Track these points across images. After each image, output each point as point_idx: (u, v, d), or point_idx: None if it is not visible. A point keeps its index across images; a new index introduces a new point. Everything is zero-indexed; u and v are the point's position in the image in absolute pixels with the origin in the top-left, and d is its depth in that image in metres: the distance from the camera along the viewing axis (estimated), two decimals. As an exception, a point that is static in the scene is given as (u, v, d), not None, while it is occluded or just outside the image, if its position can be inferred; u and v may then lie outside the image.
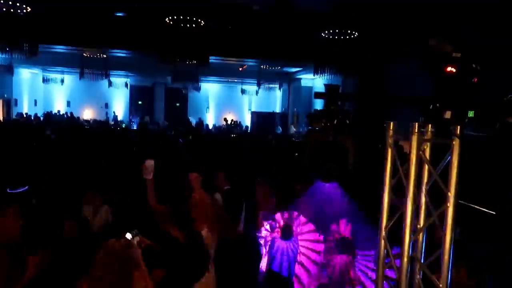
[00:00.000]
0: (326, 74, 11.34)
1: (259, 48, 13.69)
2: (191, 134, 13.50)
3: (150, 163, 3.84)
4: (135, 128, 20.31)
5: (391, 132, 2.38)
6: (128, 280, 2.66)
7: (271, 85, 22.61)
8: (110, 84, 22.77)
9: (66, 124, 18.40)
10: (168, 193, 4.19)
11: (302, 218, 3.70)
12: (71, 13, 10.94)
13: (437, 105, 2.28)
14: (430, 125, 2.39)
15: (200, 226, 3.52)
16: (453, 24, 8.49)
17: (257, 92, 24.27)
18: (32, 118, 19.94)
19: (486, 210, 5.55)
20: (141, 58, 17.30)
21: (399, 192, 2.41)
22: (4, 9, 9.27)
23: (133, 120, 22.91)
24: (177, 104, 25.61)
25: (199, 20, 10.29)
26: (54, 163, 7.12)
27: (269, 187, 4.80)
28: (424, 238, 2.51)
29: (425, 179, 2.42)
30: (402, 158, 2.33)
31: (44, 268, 2.93)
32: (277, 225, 3.82)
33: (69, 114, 21.95)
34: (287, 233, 3.79)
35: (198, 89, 21.76)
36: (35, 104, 23.17)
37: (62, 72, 23.01)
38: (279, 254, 3.84)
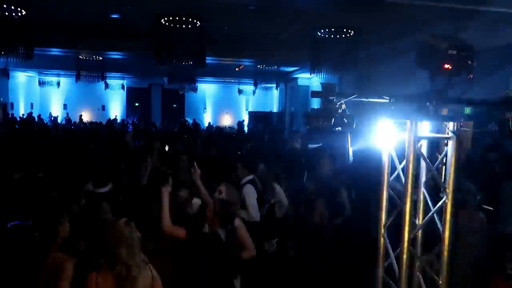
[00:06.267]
0: (322, 73, 11.32)
1: (256, 48, 13.69)
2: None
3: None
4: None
5: (388, 129, 2.39)
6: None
7: (268, 85, 22.61)
8: (106, 86, 22.73)
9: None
10: None
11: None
12: (66, 15, 10.92)
13: (434, 102, 2.29)
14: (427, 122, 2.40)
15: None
16: (448, 21, 8.52)
17: (254, 92, 24.28)
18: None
19: (486, 206, 5.57)
20: (137, 59, 17.26)
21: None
22: (-1, 13, 9.24)
23: (129, 122, 22.89)
24: (174, 105, 25.61)
25: (195, 21, 10.27)
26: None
27: None
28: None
29: (423, 175, 2.43)
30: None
31: None
32: None
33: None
34: None
35: (195, 89, 21.76)
36: (31, 107, 23.10)
37: (58, 75, 22.96)
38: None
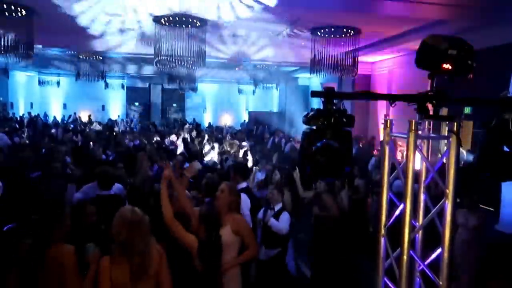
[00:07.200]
0: (322, 73, 11.30)
1: (254, 48, 13.66)
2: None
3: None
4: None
5: (388, 129, 2.38)
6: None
7: (268, 85, 22.59)
8: (106, 85, 22.72)
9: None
10: None
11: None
12: (66, 15, 10.89)
13: (434, 102, 2.28)
14: (427, 122, 2.39)
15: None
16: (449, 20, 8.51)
17: (254, 92, 24.28)
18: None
19: (485, 207, 5.56)
20: (137, 59, 17.25)
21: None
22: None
23: (133, 121, 22.93)
24: (174, 105, 25.60)
25: (195, 21, 10.25)
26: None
27: None
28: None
29: (423, 177, 2.42)
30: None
31: None
32: None
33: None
34: None
35: (195, 89, 21.74)
36: (31, 107, 23.09)
37: (58, 74, 22.93)
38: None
